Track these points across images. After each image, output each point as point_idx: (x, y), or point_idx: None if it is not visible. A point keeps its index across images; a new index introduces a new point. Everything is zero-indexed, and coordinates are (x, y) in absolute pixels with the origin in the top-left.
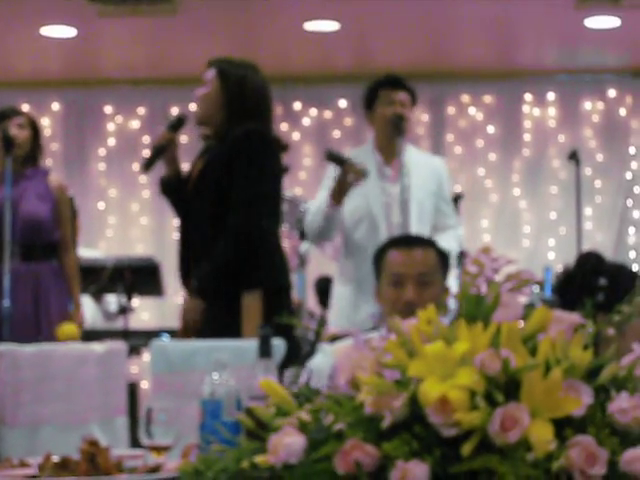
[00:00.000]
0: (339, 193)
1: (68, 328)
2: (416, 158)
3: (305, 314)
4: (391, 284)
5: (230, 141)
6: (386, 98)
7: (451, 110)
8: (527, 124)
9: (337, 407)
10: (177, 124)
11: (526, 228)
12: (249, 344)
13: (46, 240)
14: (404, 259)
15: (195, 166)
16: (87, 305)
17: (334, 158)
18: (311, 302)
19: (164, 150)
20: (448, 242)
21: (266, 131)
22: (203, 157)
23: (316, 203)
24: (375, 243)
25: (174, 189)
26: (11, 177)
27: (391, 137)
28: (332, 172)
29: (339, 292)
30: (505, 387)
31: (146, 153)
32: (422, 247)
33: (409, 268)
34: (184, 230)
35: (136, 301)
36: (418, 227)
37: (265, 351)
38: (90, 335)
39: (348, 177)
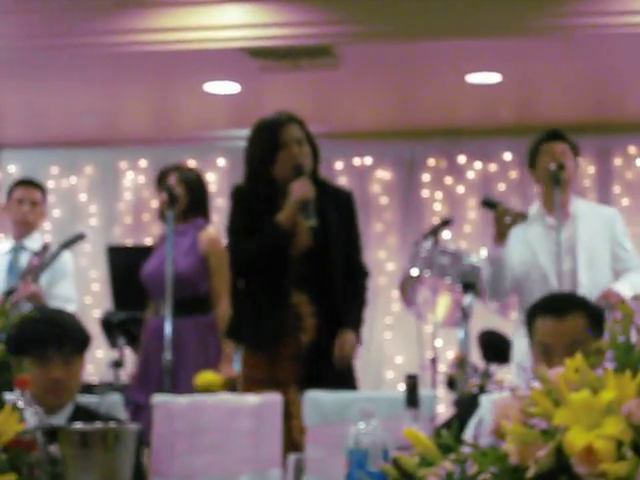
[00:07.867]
0: (499, 235)
1: (206, 377)
2: (585, 209)
3: (469, 368)
4: (540, 353)
5: (341, 198)
6: (545, 151)
7: (618, 162)
8: None
9: (481, 457)
10: None
11: None
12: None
13: (188, 294)
14: (553, 329)
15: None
16: None
17: (488, 204)
18: (474, 356)
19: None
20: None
21: None
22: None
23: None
24: (547, 293)
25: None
26: (172, 234)
27: (550, 187)
28: None
29: (519, 345)
30: None
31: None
32: (572, 314)
33: (558, 339)
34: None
35: None
36: (588, 275)
37: (412, 401)
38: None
39: (505, 220)
